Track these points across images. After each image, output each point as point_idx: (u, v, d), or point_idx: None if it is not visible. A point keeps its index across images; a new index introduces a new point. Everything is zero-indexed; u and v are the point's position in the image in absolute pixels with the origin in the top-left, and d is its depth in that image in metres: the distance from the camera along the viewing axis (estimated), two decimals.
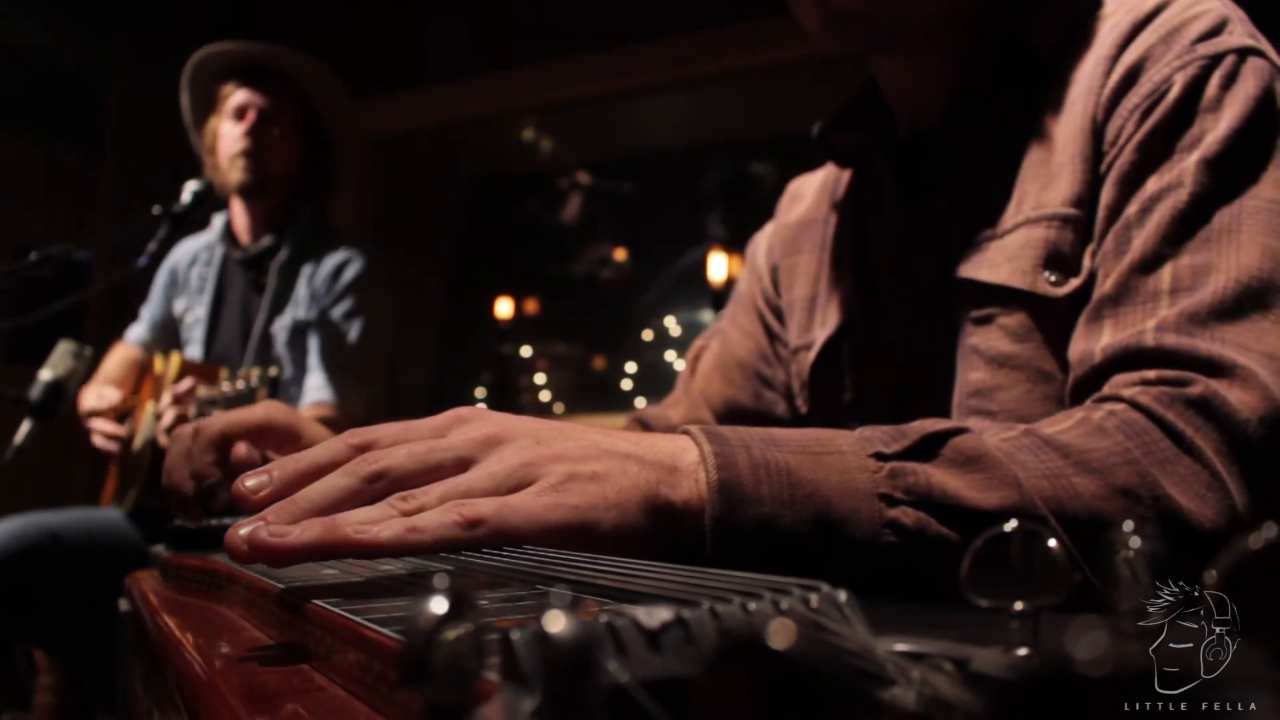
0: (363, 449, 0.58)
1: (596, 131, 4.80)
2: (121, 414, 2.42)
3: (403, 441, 0.58)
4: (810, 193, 1.21)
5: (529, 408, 4.87)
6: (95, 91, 4.76)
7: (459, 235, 5.11)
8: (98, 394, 2.42)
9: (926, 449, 0.64)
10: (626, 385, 4.87)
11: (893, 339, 1.01)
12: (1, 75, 4.46)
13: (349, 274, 2.43)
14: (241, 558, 0.50)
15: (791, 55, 3.26)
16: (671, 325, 4.88)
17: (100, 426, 2.38)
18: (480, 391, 4.93)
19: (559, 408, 4.93)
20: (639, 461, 0.59)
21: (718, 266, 4.17)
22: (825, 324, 1.09)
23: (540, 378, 5.02)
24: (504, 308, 4.89)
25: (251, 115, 2.42)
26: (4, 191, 4.52)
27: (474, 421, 0.59)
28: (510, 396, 4.84)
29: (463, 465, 0.57)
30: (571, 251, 5.09)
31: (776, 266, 1.21)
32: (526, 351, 5.02)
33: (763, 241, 1.26)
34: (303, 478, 0.56)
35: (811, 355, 1.09)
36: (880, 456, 0.63)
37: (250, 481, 0.56)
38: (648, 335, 4.89)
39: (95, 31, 4.68)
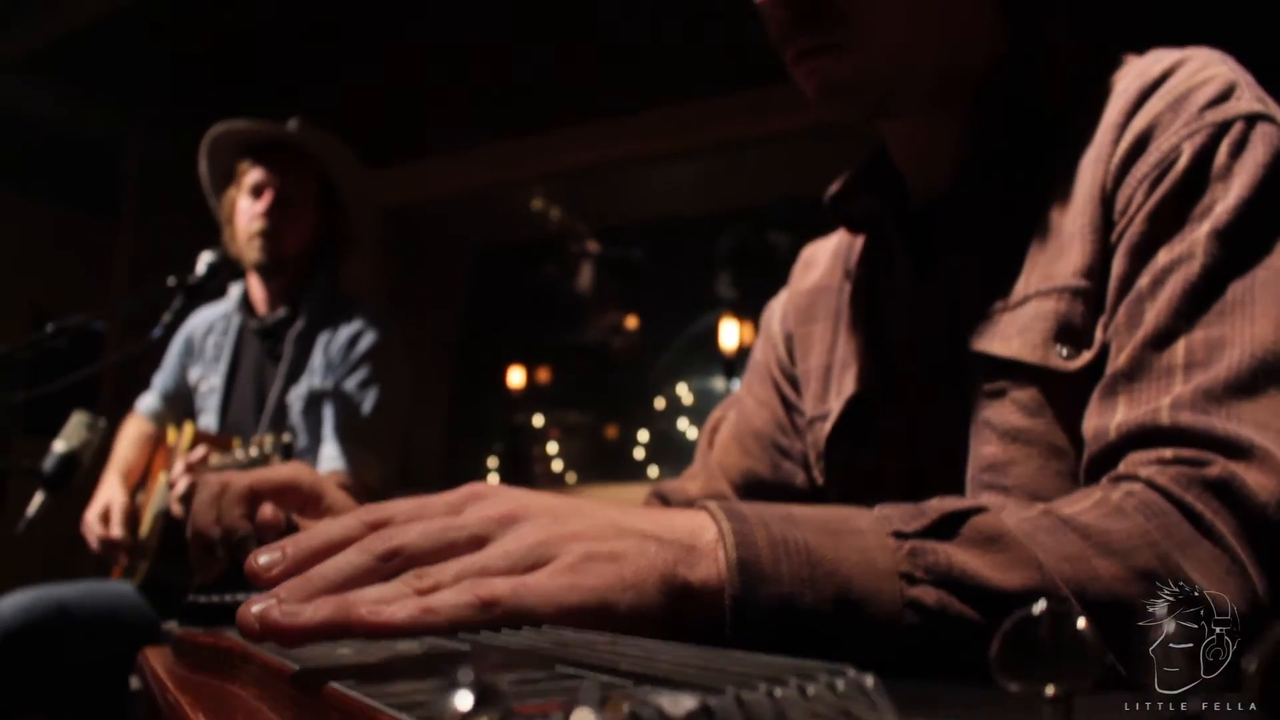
0: (377, 526, 0.57)
1: (607, 199, 4.84)
2: (133, 491, 2.42)
3: (418, 518, 0.57)
4: (824, 259, 1.21)
5: (541, 477, 4.86)
6: (113, 161, 4.83)
7: (470, 304, 5.13)
8: (103, 512, 2.41)
9: (946, 528, 0.63)
10: (639, 454, 4.86)
11: (907, 410, 1.00)
12: (20, 144, 4.53)
13: (364, 344, 2.44)
14: (253, 636, 0.50)
15: (801, 122, 3.28)
16: (684, 393, 4.88)
17: (98, 533, 2.38)
18: (492, 461, 4.93)
19: (571, 477, 4.92)
20: (657, 540, 0.58)
21: (729, 333, 4.18)
22: (840, 394, 1.08)
23: (552, 447, 5.01)
24: (516, 376, 4.91)
25: (268, 195, 2.44)
26: (21, 259, 4.57)
27: (491, 498, 0.59)
28: (522, 466, 4.83)
29: (478, 543, 0.56)
30: (583, 319, 5.10)
31: (791, 335, 1.21)
32: (539, 420, 5.01)
33: (777, 309, 1.26)
34: (316, 555, 0.55)
35: (827, 426, 1.08)
36: (900, 535, 0.62)
37: (263, 558, 0.55)
38: (660, 403, 4.89)
39: (113, 101, 4.76)
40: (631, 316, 5.07)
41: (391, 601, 0.50)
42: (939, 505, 0.65)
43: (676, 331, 4.81)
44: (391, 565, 0.54)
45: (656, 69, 3.57)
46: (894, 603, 0.60)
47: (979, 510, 0.65)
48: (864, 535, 0.62)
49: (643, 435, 4.90)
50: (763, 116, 3.40)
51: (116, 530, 2.36)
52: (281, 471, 1.01)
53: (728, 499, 1.17)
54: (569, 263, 5.07)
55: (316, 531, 0.57)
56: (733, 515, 0.61)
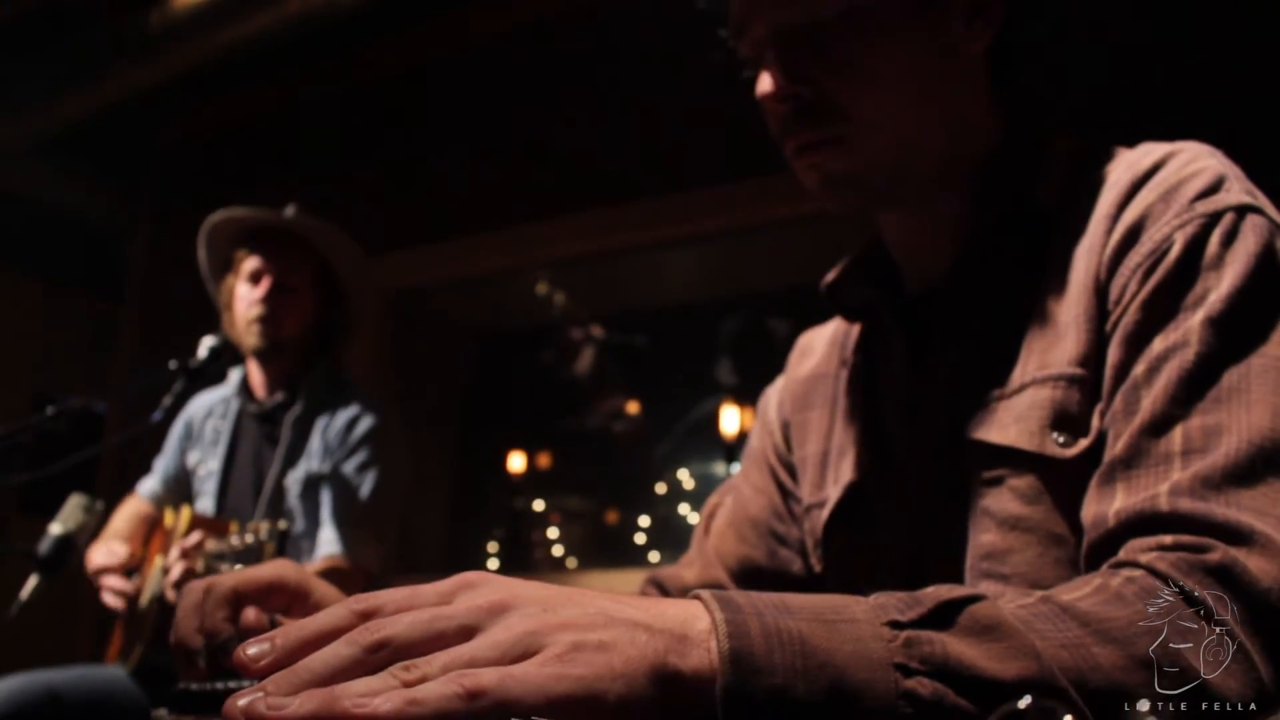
0: (366, 616, 0.56)
1: (609, 285, 4.87)
2: (129, 570, 2.40)
3: (407, 608, 0.57)
4: (820, 346, 1.21)
5: (542, 562, 4.82)
6: (118, 244, 4.88)
7: (472, 388, 5.13)
8: (107, 550, 2.40)
9: (942, 617, 0.62)
10: (640, 539, 4.82)
11: (905, 498, 1.00)
12: (27, 226, 4.58)
13: (362, 427, 2.44)
14: None
15: (802, 210, 3.32)
16: (685, 478, 4.85)
17: (110, 583, 2.36)
18: (493, 546, 4.89)
19: (572, 562, 4.87)
20: (648, 630, 0.57)
21: (730, 419, 4.18)
22: (838, 481, 1.08)
23: (553, 532, 4.98)
24: (516, 461, 4.89)
25: (266, 282, 2.46)
26: (24, 341, 4.60)
27: (481, 588, 0.58)
28: (523, 551, 4.80)
29: (467, 633, 0.55)
30: (584, 404, 5.10)
31: (788, 422, 1.21)
32: (539, 505, 4.99)
33: (774, 396, 1.26)
34: (305, 646, 0.55)
35: (825, 513, 1.08)
36: (895, 625, 0.61)
37: (252, 649, 0.55)
38: (661, 488, 4.86)
39: (119, 186, 4.82)
40: (633, 402, 5.06)
41: (378, 693, 0.50)
42: (935, 594, 0.64)
43: (678, 417, 4.80)
44: (379, 657, 0.53)
45: (658, 157, 3.61)
46: (888, 694, 0.59)
47: (976, 598, 0.64)
48: (859, 625, 0.61)
49: (644, 520, 4.86)
50: (764, 204, 3.43)
51: (123, 551, 2.35)
52: (265, 571, 1.00)
53: (724, 587, 1.17)
54: (571, 348, 5.08)
55: (306, 622, 0.57)
56: (726, 604, 0.60)
